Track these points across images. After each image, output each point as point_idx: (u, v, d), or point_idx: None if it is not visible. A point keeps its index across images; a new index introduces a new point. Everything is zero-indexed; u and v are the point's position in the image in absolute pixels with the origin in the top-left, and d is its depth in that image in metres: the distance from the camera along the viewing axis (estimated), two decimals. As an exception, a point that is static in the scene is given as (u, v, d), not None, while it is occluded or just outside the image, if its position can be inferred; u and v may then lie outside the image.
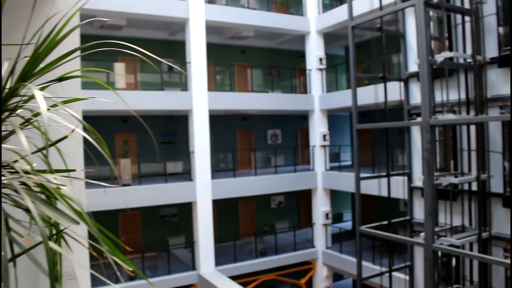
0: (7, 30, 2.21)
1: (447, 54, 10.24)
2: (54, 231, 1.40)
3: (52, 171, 1.41)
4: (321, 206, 17.66)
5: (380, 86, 13.01)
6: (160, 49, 16.79)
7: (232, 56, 18.75)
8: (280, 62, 19.94)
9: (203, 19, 15.12)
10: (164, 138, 17.53)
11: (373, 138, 17.21)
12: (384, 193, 12.97)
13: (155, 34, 17.08)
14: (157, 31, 16.89)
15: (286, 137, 20.77)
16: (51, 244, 1.18)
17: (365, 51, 17.65)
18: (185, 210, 16.47)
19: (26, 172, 1.29)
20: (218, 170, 17.76)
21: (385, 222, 12.49)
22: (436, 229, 10.11)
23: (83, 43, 3.53)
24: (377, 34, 13.68)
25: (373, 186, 13.44)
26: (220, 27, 16.72)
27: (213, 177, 15.53)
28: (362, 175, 12.44)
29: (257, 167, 17.59)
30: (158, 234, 17.08)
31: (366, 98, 13.55)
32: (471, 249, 10.71)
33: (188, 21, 14.96)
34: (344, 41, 18.07)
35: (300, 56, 19.22)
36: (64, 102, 1.47)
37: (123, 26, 15.49)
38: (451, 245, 9.78)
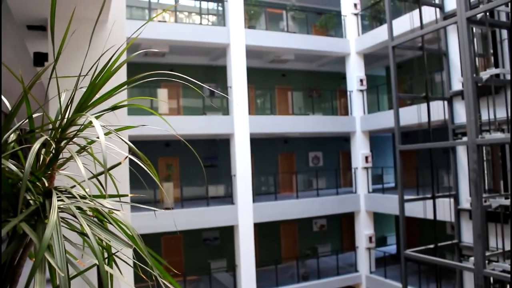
0: (65, 62, 2.32)
1: (493, 71, 9.98)
2: (106, 255, 1.45)
3: (105, 196, 1.46)
4: (364, 229, 17.31)
5: (423, 105, 12.76)
6: (201, 75, 17.14)
7: (273, 80, 18.91)
8: (320, 84, 19.93)
9: (244, 44, 15.37)
10: (206, 161, 17.72)
11: (417, 159, 16.84)
12: (430, 216, 12.58)
13: (197, 60, 17.46)
14: (199, 56, 17.26)
15: (327, 159, 20.60)
16: (106, 267, 1.22)
17: (407, 70, 17.43)
18: (227, 234, 16.49)
19: (82, 197, 1.34)
20: (259, 193, 17.76)
21: (432, 246, 12.09)
22: (487, 253, 9.70)
23: (128, 70, 3.65)
24: (418, 53, 13.51)
25: (418, 209, 13.07)
26: (260, 51, 16.93)
27: (254, 200, 15.54)
28: (406, 197, 12.15)
29: (298, 190, 17.49)
30: (200, 258, 17.14)
31: (409, 119, 13.32)
32: (525, 274, 10.20)
33: (229, 47, 15.25)
34: (385, 61, 17.91)
35: (340, 77, 19.18)
36: (117, 130, 1.53)
37: (166, 53, 15.92)
38: (503, 271, 9.35)
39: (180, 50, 16.10)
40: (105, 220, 1.26)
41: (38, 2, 3.47)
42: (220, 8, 17.31)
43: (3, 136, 1.31)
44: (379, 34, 15.57)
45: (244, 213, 15.14)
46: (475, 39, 11.45)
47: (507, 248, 10.31)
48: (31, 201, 1.22)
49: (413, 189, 14.50)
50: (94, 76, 1.43)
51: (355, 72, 17.51)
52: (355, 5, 17.65)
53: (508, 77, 10.55)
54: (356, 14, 17.67)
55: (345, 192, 18.00)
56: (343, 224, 20.07)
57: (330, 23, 18.75)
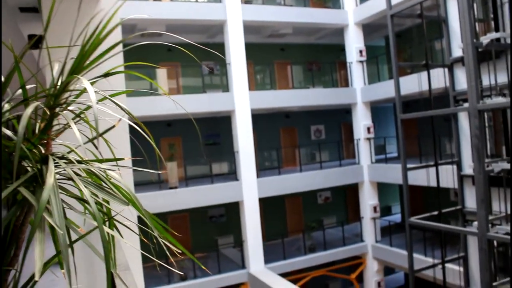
0: (54, 34, 2.32)
1: (493, 35, 9.90)
2: (106, 219, 1.48)
3: (101, 160, 1.49)
4: (368, 200, 17.42)
5: (424, 74, 12.69)
6: (200, 52, 16.99)
7: (272, 54, 18.78)
8: (319, 57, 19.79)
9: (241, 20, 15.23)
10: (209, 139, 17.75)
11: (419, 128, 16.81)
12: (433, 183, 12.64)
13: (194, 38, 17.32)
14: (196, 34, 17.12)
15: (329, 132, 20.59)
16: (105, 228, 1.25)
17: (406, 39, 17.27)
18: (233, 210, 16.62)
19: (79, 162, 1.37)
20: (263, 168, 17.82)
21: (436, 213, 12.18)
22: (490, 217, 9.79)
23: (124, 52, 3.66)
24: (417, 21, 13.38)
25: (421, 177, 13.12)
26: (258, 26, 16.77)
27: (258, 175, 15.62)
28: (409, 165, 12.19)
29: (302, 163, 17.55)
30: (207, 235, 17.31)
31: (410, 87, 13.26)
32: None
33: (226, 23, 15.12)
34: (384, 31, 17.71)
35: (339, 49, 19.01)
36: (112, 96, 1.54)
37: (163, 33, 15.77)
38: (506, 233, 9.44)
39: (177, 29, 15.97)
40: (102, 182, 1.29)
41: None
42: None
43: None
44: (377, 4, 15.37)
45: (249, 189, 15.23)
46: (474, 4, 11.31)
47: (510, 211, 10.39)
48: (28, 168, 1.25)
49: (416, 158, 14.53)
50: (85, 40, 1.44)
51: (354, 43, 17.37)
52: (352, -26, 17.41)
53: (509, 41, 10.46)
54: (353, -16, 17.43)
55: (348, 163, 18.04)
56: (347, 196, 20.18)
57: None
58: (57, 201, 1.04)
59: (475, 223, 9.90)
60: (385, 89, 15.69)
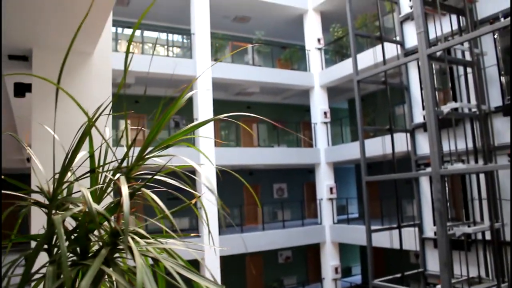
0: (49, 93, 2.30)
1: (452, 104, 10.42)
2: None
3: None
4: (330, 261, 17.35)
5: (387, 137, 13.12)
6: (166, 106, 17.04)
7: (238, 112, 19.00)
8: (285, 116, 20.22)
9: (210, 77, 15.50)
10: (169, 195, 17.42)
11: (380, 190, 17.17)
12: (396, 245, 12.78)
13: (162, 92, 17.40)
14: (164, 88, 17.22)
15: (292, 190, 20.72)
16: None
17: (369, 103, 17.94)
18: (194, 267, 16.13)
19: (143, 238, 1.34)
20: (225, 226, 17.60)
21: (399, 275, 12.24)
22: (453, 281, 9.91)
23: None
24: (381, 87, 13.99)
25: (382, 239, 13.26)
26: (226, 84, 17.08)
27: (220, 233, 15.38)
28: (373, 227, 12.32)
29: (264, 221, 17.45)
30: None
31: (372, 150, 13.63)
32: (489, 301, 10.44)
33: (195, 79, 15.31)
34: (348, 94, 18.42)
35: (304, 110, 19.52)
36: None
37: (131, 84, 15.84)
38: (469, 298, 9.56)
39: (146, 81, 16.05)
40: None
41: (23, 32, 3.44)
42: (185, 41, 17.47)
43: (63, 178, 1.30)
44: (342, 68, 16.04)
45: (210, 246, 14.92)
46: (434, 75, 11.97)
47: (472, 274, 10.58)
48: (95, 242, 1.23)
49: (377, 219, 14.73)
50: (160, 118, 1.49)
51: (319, 105, 17.88)
52: (319, 40, 18.17)
53: (466, 110, 11.05)
54: (319, 49, 18.16)
55: (311, 223, 18.06)
56: (308, 256, 20.07)
57: (295, 57, 19.21)
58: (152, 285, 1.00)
59: (438, 286, 9.98)
60: (348, 151, 16.08)
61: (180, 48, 18.18)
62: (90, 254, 1.26)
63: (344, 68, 15.59)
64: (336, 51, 18.24)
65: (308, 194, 20.84)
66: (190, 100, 15.78)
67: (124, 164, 1.42)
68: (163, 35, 17.38)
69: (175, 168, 1.41)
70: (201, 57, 15.54)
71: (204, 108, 15.31)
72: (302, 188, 21.16)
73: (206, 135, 15.15)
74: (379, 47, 12.85)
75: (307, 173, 20.54)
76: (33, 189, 1.41)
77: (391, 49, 13.05)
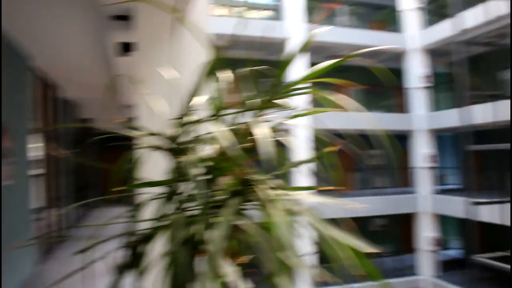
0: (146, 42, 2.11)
1: None
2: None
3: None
4: (425, 231, 16.64)
5: (492, 105, 12.03)
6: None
7: (328, 76, 18.48)
8: (378, 80, 19.33)
9: (302, 40, 15.08)
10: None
11: (482, 160, 16.00)
12: (497, 220, 11.85)
13: (252, 55, 17.30)
14: (254, 52, 17.11)
15: (384, 158, 19.98)
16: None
17: (471, 68, 16.61)
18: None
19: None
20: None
21: (502, 254, 11.40)
22: None
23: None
24: (483, 49, 12.81)
25: (486, 213, 12.30)
26: (317, 47, 16.55)
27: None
28: (479, 200, 11.52)
29: (357, 188, 17.11)
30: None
31: (476, 118, 12.62)
32: None
33: (287, 41, 14.99)
34: (447, 57, 17.15)
35: (397, 74, 18.52)
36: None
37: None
38: None
39: (241, 44, 16.00)
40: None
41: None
42: (277, 3, 17.09)
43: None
44: (442, 30, 14.93)
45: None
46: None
47: None
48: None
49: (478, 191, 13.70)
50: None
51: (416, 69, 16.88)
52: (417, -3, 17.02)
53: None
54: (417, 8, 16.98)
55: (404, 192, 17.36)
56: (402, 225, 19.39)
57: (390, 18, 18.15)
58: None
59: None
60: (447, 118, 15.11)
61: (271, 10, 17.83)
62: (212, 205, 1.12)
63: (443, 29, 14.48)
64: (435, 11, 16.93)
65: (402, 162, 19.98)
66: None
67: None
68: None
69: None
70: (293, 19, 15.17)
71: (298, 72, 14.95)
72: (396, 156, 20.32)
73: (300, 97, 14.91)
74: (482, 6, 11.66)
75: (401, 140, 19.62)
76: (150, 133, 1.32)
77: (498, 7, 11.76)
